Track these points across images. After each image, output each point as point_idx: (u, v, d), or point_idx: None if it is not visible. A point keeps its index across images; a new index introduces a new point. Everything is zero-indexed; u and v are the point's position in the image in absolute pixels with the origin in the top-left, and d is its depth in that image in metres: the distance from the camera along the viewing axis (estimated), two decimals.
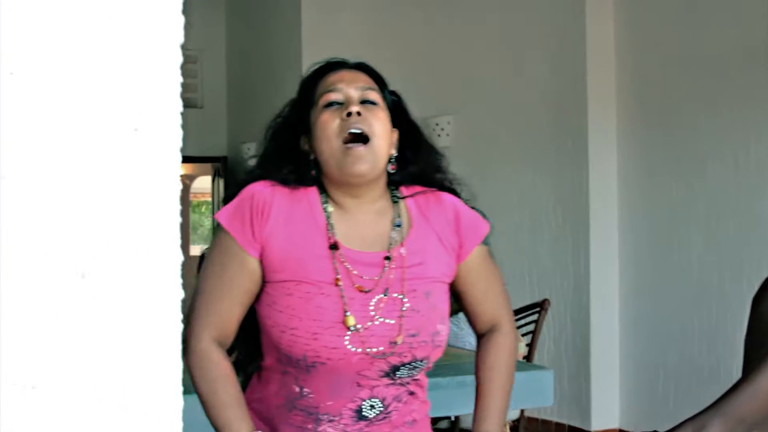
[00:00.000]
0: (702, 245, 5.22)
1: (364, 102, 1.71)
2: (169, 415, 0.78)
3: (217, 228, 1.73)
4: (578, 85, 5.73)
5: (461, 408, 3.18)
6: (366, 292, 1.67)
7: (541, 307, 4.49)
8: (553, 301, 5.55)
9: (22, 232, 0.70)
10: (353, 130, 1.67)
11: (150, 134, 0.75)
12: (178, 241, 0.76)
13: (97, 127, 0.73)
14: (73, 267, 0.72)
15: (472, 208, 1.83)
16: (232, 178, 8.57)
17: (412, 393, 1.75)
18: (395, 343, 1.66)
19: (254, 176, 1.74)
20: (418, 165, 1.80)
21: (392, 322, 1.67)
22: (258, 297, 1.71)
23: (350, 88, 1.72)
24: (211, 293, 1.69)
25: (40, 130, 0.71)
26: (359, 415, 1.69)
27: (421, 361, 1.70)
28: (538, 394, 3.31)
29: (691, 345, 5.26)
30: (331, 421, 1.68)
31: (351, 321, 1.64)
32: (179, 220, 0.77)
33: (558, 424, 5.81)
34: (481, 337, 1.89)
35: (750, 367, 1.66)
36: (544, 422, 5.85)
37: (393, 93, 1.83)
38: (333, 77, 1.75)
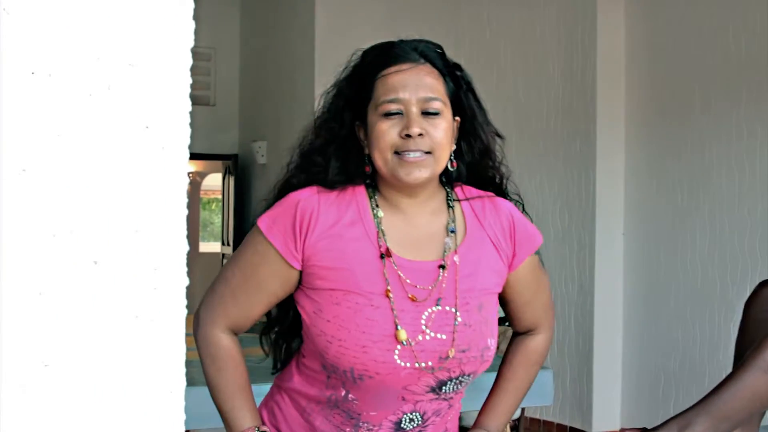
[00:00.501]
0: (706, 251, 5.25)
1: (426, 113, 1.62)
2: (172, 398, 0.82)
3: (254, 229, 1.67)
4: (587, 89, 5.75)
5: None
6: (419, 301, 1.62)
7: None
8: (557, 303, 5.58)
9: (42, 221, 0.76)
10: (413, 154, 1.60)
11: (160, 131, 0.80)
12: (185, 232, 0.82)
13: (111, 124, 0.78)
14: (86, 254, 0.77)
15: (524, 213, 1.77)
16: (243, 173, 8.61)
17: (451, 406, 1.72)
18: (446, 358, 1.62)
19: (297, 178, 1.69)
20: (472, 155, 1.73)
21: (444, 337, 1.62)
22: (297, 296, 1.68)
23: (412, 98, 1.61)
24: (236, 286, 1.68)
25: (58, 127, 0.76)
26: (398, 426, 1.68)
27: (468, 375, 1.66)
28: (538, 394, 3.35)
29: (692, 350, 5.29)
30: (369, 430, 1.68)
31: (403, 335, 1.59)
32: (186, 212, 0.82)
33: (559, 426, 5.84)
34: (516, 335, 1.88)
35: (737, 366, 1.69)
36: (546, 423, 5.88)
37: (456, 67, 1.72)
38: (394, 78, 1.63)
